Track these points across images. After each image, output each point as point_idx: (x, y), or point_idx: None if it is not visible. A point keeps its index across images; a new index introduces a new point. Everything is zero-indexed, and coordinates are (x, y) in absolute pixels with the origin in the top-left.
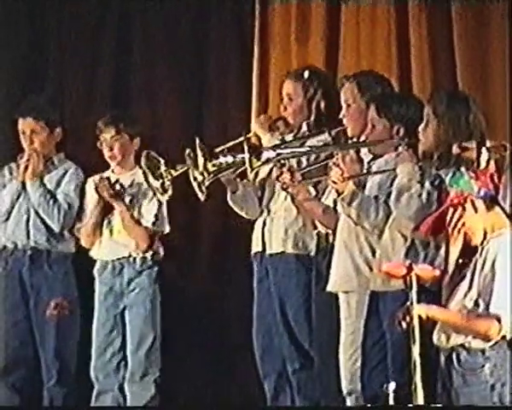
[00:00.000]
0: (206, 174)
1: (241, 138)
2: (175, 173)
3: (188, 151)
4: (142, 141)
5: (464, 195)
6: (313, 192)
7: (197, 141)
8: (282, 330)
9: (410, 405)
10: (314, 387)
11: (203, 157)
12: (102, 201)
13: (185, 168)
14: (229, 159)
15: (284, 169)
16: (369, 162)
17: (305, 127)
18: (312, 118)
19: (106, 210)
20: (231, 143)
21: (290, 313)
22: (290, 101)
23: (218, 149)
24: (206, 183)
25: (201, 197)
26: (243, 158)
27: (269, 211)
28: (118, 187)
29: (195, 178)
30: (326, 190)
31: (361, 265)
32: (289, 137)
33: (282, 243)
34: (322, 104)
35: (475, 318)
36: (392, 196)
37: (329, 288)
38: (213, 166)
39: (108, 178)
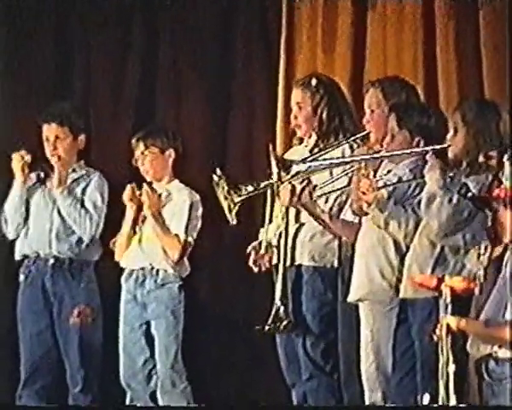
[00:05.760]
0: (232, 205)
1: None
2: (237, 200)
3: (215, 179)
4: (176, 152)
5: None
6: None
7: (218, 175)
8: (298, 339)
9: None
10: (324, 396)
11: (227, 191)
12: (135, 210)
13: (247, 195)
14: (254, 186)
15: (305, 187)
16: (389, 171)
17: (314, 136)
18: (317, 127)
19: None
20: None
21: (304, 322)
22: (300, 109)
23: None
24: (234, 211)
25: (232, 221)
26: (269, 182)
27: (285, 223)
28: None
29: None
30: (345, 205)
31: (374, 273)
32: (301, 148)
33: (299, 255)
34: (325, 113)
35: (498, 326)
36: (422, 204)
37: (348, 298)
38: (239, 196)
39: (153, 189)
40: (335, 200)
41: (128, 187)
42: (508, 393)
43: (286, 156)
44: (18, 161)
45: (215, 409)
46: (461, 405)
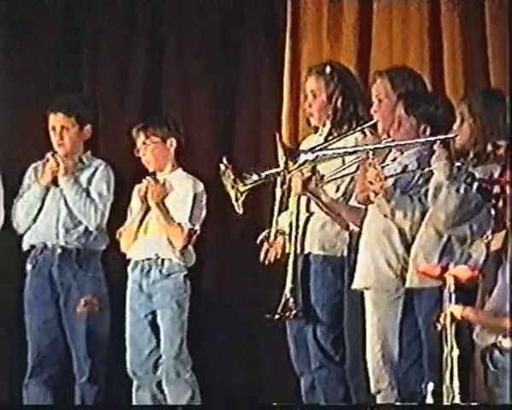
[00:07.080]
0: (238, 194)
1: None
2: (242, 189)
3: (222, 168)
4: (179, 141)
5: None
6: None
7: (225, 164)
8: (308, 328)
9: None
10: (333, 386)
11: (233, 180)
12: (146, 205)
13: (253, 184)
14: (260, 175)
15: (312, 175)
16: (395, 159)
17: (328, 125)
18: (332, 115)
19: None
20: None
21: (314, 311)
22: (314, 97)
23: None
24: (241, 200)
25: (238, 211)
26: (275, 171)
27: (297, 212)
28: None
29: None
30: (352, 192)
31: (380, 262)
32: (316, 136)
33: (309, 244)
34: (339, 101)
35: (503, 315)
36: (429, 194)
37: (353, 285)
38: (245, 185)
39: (157, 179)
40: (346, 187)
41: (143, 183)
42: None
43: (302, 145)
44: (53, 165)
45: (222, 400)
46: (464, 403)
